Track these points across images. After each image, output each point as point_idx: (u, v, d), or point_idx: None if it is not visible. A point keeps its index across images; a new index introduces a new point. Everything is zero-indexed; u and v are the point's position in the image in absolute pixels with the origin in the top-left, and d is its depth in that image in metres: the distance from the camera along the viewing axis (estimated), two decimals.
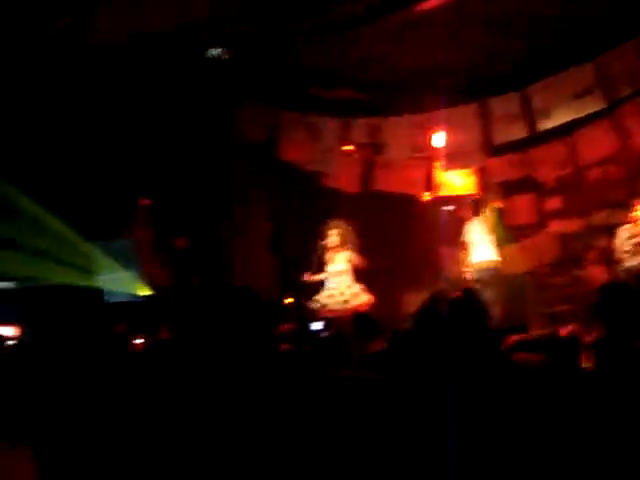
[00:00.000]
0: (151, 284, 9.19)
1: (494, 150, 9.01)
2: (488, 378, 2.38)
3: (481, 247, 8.81)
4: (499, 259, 8.89)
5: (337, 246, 8.49)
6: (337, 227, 8.56)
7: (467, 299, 3.59)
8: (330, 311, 8.20)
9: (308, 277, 8.40)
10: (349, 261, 8.45)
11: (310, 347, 4.71)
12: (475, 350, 2.56)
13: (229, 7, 7.48)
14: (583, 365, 3.85)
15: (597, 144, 8.64)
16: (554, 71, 8.23)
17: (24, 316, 8.82)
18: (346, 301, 8.26)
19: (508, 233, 10.25)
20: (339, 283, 8.42)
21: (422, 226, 9.78)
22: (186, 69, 8.52)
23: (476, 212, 8.91)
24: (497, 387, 2.36)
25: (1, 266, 8.42)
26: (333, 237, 8.49)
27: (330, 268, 8.50)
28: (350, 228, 8.60)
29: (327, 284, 8.49)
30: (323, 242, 8.52)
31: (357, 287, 8.40)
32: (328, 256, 8.55)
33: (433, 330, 2.77)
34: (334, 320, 7.36)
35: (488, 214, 9.93)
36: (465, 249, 8.94)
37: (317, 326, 6.43)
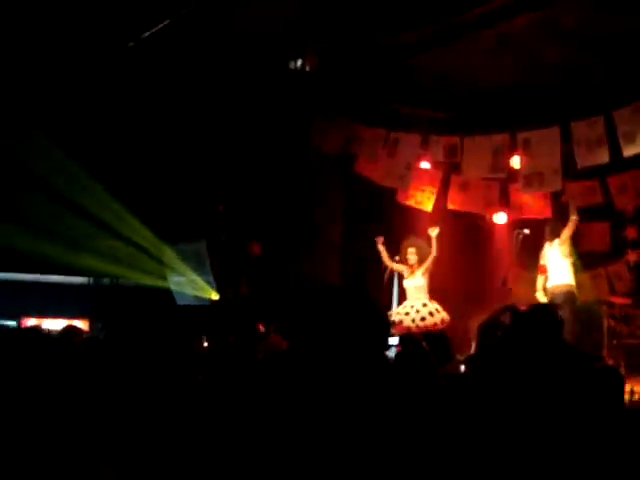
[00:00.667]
0: (222, 289, 9.29)
1: (574, 174, 8.84)
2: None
3: (557, 270, 8.64)
4: (574, 283, 8.70)
5: (415, 263, 8.58)
6: (415, 245, 8.68)
7: (537, 312, 3.52)
8: (405, 327, 8.19)
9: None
10: (426, 279, 8.53)
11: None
12: (547, 363, 2.40)
13: (317, 18, 7.55)
14: None
15: None
16: None
17: (96, 312, 9.02)
18: (423, 318, 8.28)
19: (582, 260, 10.07)
20: (416, 300, 8.47)
21: (496, 247, 9.68)
22: (271, 78, 8.61)
23: (553, 235, 8.75)
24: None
25: (78, 262, 8.62)
26: (411, 254, 8.57)
27: (407, 283, 8.57)
28: (427, 246, 8.65)
29: (405, 301, 8.56)
30: (400, 258, 8.60)
31: (433, 305, 8.44)
32: (407, 272, 8.66)
33: (495, 341, 2.62)
34: (410, 337, 7.30)
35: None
36: (542, 272, 8.78)
37: (393, 341, 6.35)
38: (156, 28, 7.86)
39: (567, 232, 8.65)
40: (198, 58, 8.40)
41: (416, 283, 8.53)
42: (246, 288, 9.04)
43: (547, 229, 8.84)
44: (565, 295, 8.44)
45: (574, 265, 9.66)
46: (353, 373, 2.08)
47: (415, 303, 8.46)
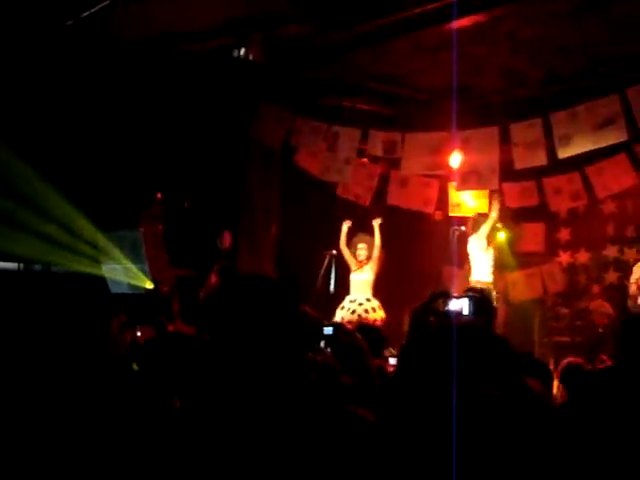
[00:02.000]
0: (154, 278, 9.15)
1: (511, 175, 8.97)
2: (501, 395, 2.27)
3: (478, 265, 8.81)
4: (491, 281, 8.84)
5: (365, 259, 8.80)
6: (365, 241, 8.90)
7: (471, 297, 3.53)
8: (348, 322, 8.23)
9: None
10: (374, 274, 8.63)
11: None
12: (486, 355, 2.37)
13: (263, 9, 7.49)
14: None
15: (614, 177, 8.62)
16: (578, 100, 8.21)
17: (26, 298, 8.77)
18: (366, 311, 8.36)
19: (516, 259, 10.27)
20: (360, 294, 8.55)
21: (432, 245, 9.78)
22: (211, 68, 8.51)
23: (475, 229, 8.94)
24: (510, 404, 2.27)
25: (8, 247, 8.39)
26: (362, 250, 8.76)
27: (355, 277, 8.65)
28: (375, 242, 8.77)
29: (349, 295, 8.72)
30: (345, 252, 8.70)
31: (376, 302, 8.52)
32: (355, 266, 8.79)
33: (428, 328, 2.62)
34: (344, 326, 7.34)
35: (498, 239, 9.97)
36: (468, 266, 8.96)
37: (327, 330, 6.35)
38: (96, 8, 7.68)
39: (485, 228, 8.85)
40: (138, 43, 8.25)
41: (364, 277, 8.66)
42: (216, 278, 8.91)
43: (470, 223, 9.01)
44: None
45: (508, 265, 9.88)
46: (270, 366, 2.05)
47: (358, 297, 8.56)
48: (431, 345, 2.12)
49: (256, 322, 2.10)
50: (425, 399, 2.14)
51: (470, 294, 3.59)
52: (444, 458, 1.87)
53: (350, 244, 9.01)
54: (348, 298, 8.73)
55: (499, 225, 9.63)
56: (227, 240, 9.07)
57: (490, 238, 8.80)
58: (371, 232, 9.03)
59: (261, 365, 2.06)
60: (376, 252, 8.80)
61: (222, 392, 2.07)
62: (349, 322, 8.19)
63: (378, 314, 8.51)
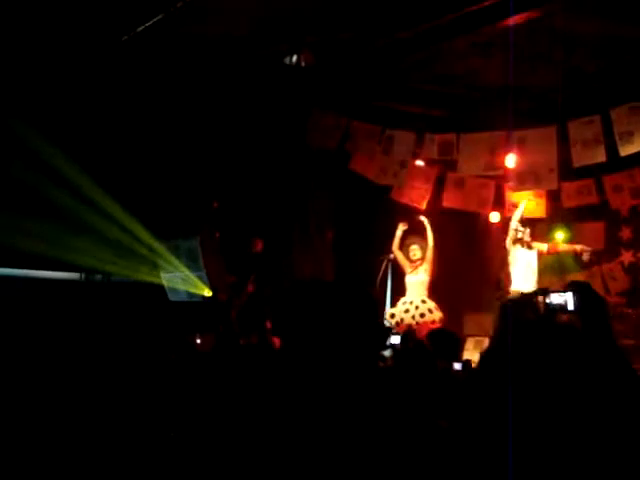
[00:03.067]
0: (213, 286, 9.23)
1: (570, 174, 8.81)
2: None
3: (523, 276, 8.50)
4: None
5: (419, 259, 8.72)
6: (417, 242, 8.82)
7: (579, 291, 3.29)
8: (405, 325, 8.20)
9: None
10: (428, 275, 8.56)
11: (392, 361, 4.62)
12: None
13: (313, 14, 7.50)
14: None
15: None
16: (638, 96, 8.02)
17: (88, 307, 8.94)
18: (422, 315, 8.30)
19: (577, 259, 10.06)
20: (415, 296, 8.50)
21: (489, 246, 9.65)
22: (264, 74, 8.56)
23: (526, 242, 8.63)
24: None
25: (70, 257, 8.54)
26: (415, 251, 8.74)
27: (410, 279, 8.61)
28: (428, 243, 8.74)
29: (404, 297, 8.64)
30: (399, 255, 8.63)
31: (432, 303, 8.46)
32: (410, 268, 8.74)
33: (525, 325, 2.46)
34: (412, 334, 7.30)
35: (557, 240, 9.79)
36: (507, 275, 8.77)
37: (395, 340, 6.30)
38: (149, 22, 7.79)
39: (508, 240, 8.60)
40: (193, 54, 8.34)
41: (419, 279, 8.63)
42: (253, 286, 8.98)
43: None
44: None
45: (569, 266, 9.70)
46: (346, 373, 2.03)
47: (414, 299, 8.50)
48: (529, 341, 2.01)
49: (333, 330, 2.08)
50: (513, 402, 2.04)
51: (574, 287, 3.38)
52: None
53: (403, 246, 8.96)
54: (402, 300, 8.68)
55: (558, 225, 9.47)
56: (258, 246, 9.11)
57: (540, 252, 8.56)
58: (423, 233, 8.95)
59: (336, 372, 2.04)
60: (429, 253, 8.74)
61: (293, 399, 2.06)
62: (405, 325, 8.17)
63: (436, 315, 8.44)
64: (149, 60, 8.32)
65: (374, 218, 9.86)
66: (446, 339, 4.84)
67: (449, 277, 9.58)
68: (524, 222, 8.83)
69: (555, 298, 3.31)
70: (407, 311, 8.44)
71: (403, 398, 2.68)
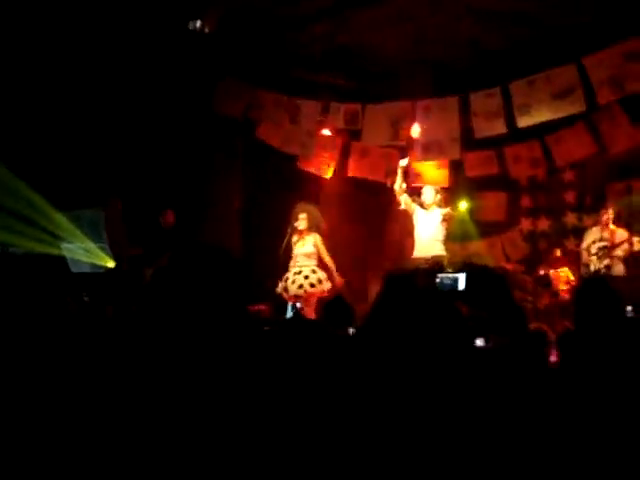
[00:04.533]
0: (115, 256, 9.05)
1: (472, 145, 9.01)
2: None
3: (425, 241, 8.50)
4: (444, 254, 8.38)
5: (305, 229, 8.36)
6: (306, 210, 8.42)
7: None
8: (294, 296, 8.12)
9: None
10: (315, 245, 8.35)
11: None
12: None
13: None
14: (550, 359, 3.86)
15: (573, 146, 8.71)
16: (536, 69, 8.25)
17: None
18: (312, 285, 8.16)
19: (477, 228, 10.37)
20: (304, 266, 8.32)
21: (393, 216, 9.78)
22: (168, 41, 8.35)
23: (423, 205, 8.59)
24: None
25: None
26: (302, 220, 8.41)
27: (297, 250, 8.39)
28: (319, 212, 8.51)
29: (293, 267, 8.39)
30: (293, 224, 8.41)
31: (322, 273, 8.30)
32: (296, 239, 8.47)
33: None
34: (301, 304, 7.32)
35: (459, 209, 10.02)
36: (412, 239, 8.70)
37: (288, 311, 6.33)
38: None
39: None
40: (95, 14, 8.05)
41: (305, 250, 8.39)
42: (138, 250, 8.78)
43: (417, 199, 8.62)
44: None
45: (469, 234, 9.96)
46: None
47: (303, 269, 8.30)
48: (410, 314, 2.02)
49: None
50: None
51: (467, 268, 3.42)
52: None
53: (292, 214, 8.46)
54: (292, 270, 8.32)
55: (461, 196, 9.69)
56: (170, 218, 8.94)
57: (445, 215, 8.43)
58: (313, 202, 8.75)
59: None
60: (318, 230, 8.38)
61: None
62: (294, 296, 8.11)
63: (325, 285, 8.26)
64: (51, 21, 7.98)
65: (282, 186, 9.82)
66: (339, 307, 4.89)
67: (354, 245, 9.70)
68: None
69: (446, 279, 3.38)
70: (294, 282, 8.29)
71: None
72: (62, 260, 8.97)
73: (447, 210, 8.37)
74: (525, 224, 10.52)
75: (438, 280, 3.19)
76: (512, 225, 10.51)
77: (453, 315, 1.83)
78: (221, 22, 8.31)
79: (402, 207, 8.49)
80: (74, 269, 9.07)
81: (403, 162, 8.47)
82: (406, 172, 8.64)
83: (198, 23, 8.40)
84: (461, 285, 3.25)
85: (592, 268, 8.54)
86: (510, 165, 9.32)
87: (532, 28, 8.09)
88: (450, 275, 3.25)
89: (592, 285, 3.50)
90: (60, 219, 8.93)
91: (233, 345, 2.19)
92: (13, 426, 2.34)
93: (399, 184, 8.40)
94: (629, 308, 5.98)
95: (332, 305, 5.23)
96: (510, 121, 8.43)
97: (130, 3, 7.88)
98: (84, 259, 9.06)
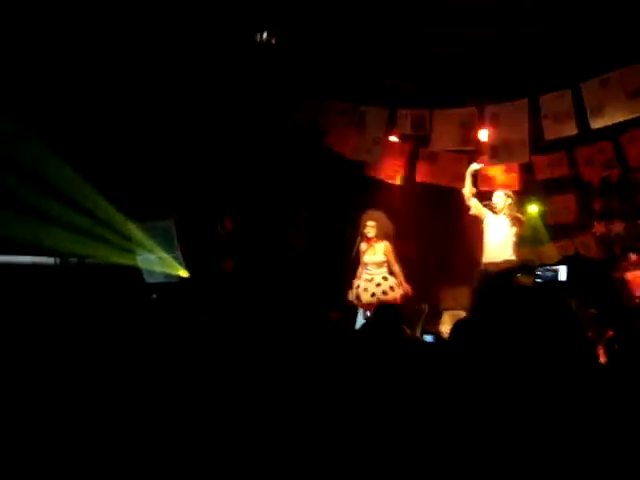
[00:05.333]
0: (189, 266, 9.22)
1: (542, 147, 8.88)
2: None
3: (495, 246, 8.37)
4: (514, 258, 8.38)
5: (374, 237, 8.41)
6: (375, 218, 8.47)
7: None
8: (367, 304, 8.16)
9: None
10: (385, 253, 8.38)
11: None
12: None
13: None
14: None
15: None
16: (608, 69, 8.08)
17: (63, 292, 8.89)
18: (384, 292, 8.20)
19: (549, 232, 10.19)
20: (376, 274, 8.36)
21: (464, 220, 9.70)
22: (236, 51, 8.49)
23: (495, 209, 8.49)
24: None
25: (44, 242, 8.48)
26: (371, 228, 8.41)
27: (367, 258, 8.43)
28: (389, 219, 8.53)
29: (363, 275, 8.43)
30: (362, 232, 8.45)
31: (393, 280, 8.32)
32: (365, 247, 8.48)
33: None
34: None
35: (529, 212, 9.89)
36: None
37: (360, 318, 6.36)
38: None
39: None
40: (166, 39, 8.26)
41: (376, 258, 8.41)
42: (231, 263, 8.95)
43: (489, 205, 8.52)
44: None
45: (541, 237, 9.81)
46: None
47: (375, 276, 8.33)
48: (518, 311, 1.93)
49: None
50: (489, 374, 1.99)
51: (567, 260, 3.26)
52: None
53: (360, 221, 8.55)
54: (363, 276, 8.41)
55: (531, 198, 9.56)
56: (228, 225, 9.08)
57: (514, 220, 8.32)
58: (382, 208, 8.79)
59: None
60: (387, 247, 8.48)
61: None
62: (367, 304, 8.12)
63: (397, 292, 8.28)
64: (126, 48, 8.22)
65: (350, 193, 9.87)
66: (389, 313, 4.91)
67: (426, 251, 9.66)
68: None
69: (547, 270, 3.29)
70: (366, 289, 8.32)
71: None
72: (137, 270, 9.20)
73: (517, 214, 8.29)
74: (598, 227, 10.28)
75: (539, 272, 3.12)
76: (585, 228, 10.28)
77: (566, 313, 1.78)
78: (287, 33, 8.41)
79: (472, 212, 8.46)
80: (148, 279, 9.28)
81: (474, 166, 8.43)
82: (475, 176, 8.63)
83: (264, 35, 8.51)
84: (562, 276, 3.18)
85: None
86: (582, 167, 9.16)
87: (603, 28, 7.92)
88: (551, 267, 3.19)
89: None
90: (134, 230, 9.14)
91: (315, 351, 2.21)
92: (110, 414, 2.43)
93: (468, 188, 8.40)
94: None
95: (381, 311, 5.28)
96: (582, 122, 8.28)
97: (199, 19, 8.03)
98: (158, 269, 9.25)
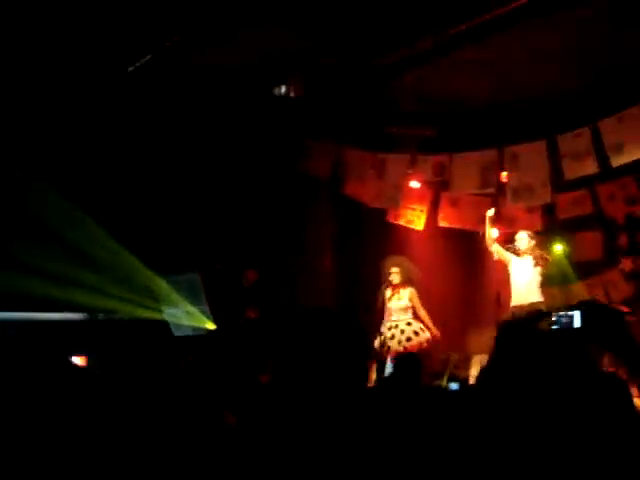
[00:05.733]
0: (215, 318, 9.26)
1: (563, 185, 8.89)
2: None
3: (522, 289, 8.30)
4: (542, 300, 8.24)
5: (399, 283, 8.41)
6: (398, 264, 8.49)
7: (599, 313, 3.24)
8: (394, 351, 8.11)
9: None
10: (411, 299, 8.37)
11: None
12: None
13: (300, 44, 7.60)
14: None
15: None
16: (625, 105, 8.12)
17: (92, 348, 8.96)
18: (408, 339, 8.16)
19: (576, 270, 10.11)
20: (400, 321, 8.33)
21: (489, 263, 9.68)
22: (255, 106, 8.65)
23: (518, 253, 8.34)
24: None
25: (71, 297, 8.58)
26: (395, 274, 8.42)
27: (392, 305, 8.41)
28: (412, 264, 8.54)
29: (388, 322, 8.40)
30: (387, 279, 8.44)
31: (418, 325, 8.28)
32: (390, 293, 8.49)
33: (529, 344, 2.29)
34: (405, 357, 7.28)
35: (555, 252, 9.83)
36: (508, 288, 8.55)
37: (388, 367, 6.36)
38: (139, 62, 7.89)
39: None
40: (182, 90, 8.44)
41: (400, 304, 8.38)
42: (255, 312, 8.98)
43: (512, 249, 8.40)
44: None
45: (567, 276, 9.73)
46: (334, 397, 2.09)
47: (399, 323, 8.30)
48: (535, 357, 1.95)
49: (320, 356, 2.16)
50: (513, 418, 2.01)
51: (582, 306, 3.25)
52: None
53: (383, 267, 8.54)
54: (387, 324, 8.35)
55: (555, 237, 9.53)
56: (251, 277, 9.12)
57: (539, 258, 8.24)
58: (403, 254, 8.81)
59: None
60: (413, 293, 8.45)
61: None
62: (394, 351, 8.06)
63: (422, 337, 8.20)
64: (140, 99, 8.40)
65: (373, 241, 9.90)
66: (408, 362, 4.89)
67: (452, 296, 9.63)
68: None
69: (562, 316, 3.28)
70: (392, 337, 8.27)
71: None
72: (165, 324, 9.25)
73: (541, 253, 8.23)
74: (626, 264, 10.18)
75: (554, 318, 3.10)
76: (612, 265, 10.20)
77: (583, 359, 1.80)
78: (306, 86, 8.55)
79: (496, 257, 8.42)
80: (177, 332, 9.32)
81: (490, 212, 8.42)
82: (495, 220, 8.60)
83: (283, 89, 8.66)
84: (577, 323, 3.16)
85: None
86: (605, 204, 9.14)
87: (615, 64, 7.97)
88: (566, 313, 3.17)
89: None
90: (161, 284, 9.22)
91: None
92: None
93: (488, 234, 8.33)
94: None
95: (402, 362, 5.26)
96: (602, 160, 8.29)
97: (216, 72, 8.21)
98: (186, 322, 9.30)
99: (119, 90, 8.19)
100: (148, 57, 7.73)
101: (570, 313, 3.15)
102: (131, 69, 7.87)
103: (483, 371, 2.55)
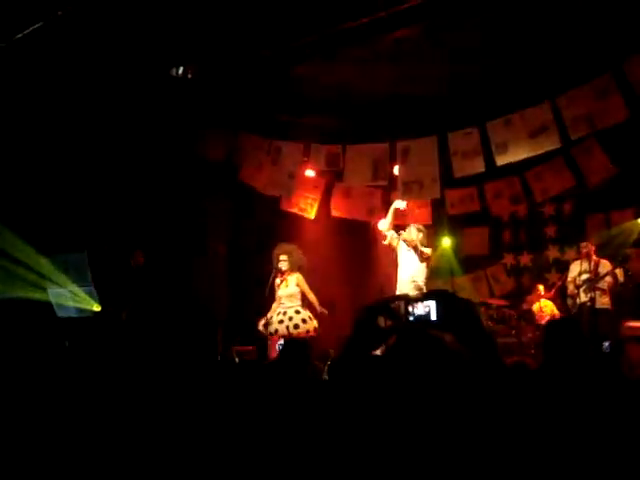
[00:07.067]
0: (102, 300, 9.07)
1: (453, 182, 9.14)
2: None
3: (407, 279, 8.45)
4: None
5: (287, 270, 8.43)
6: (287, 251, 8.49)
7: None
8: (280, 336, 8.16)
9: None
10: (297, 284, 8.40)
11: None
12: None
13: (201, 27, 7.49)
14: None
15: (552, 181, 8.85)
16: (512, 108, 8.41)
17: None
18: (296, 326, 8.21)
19: (462, 264, 10.47)
20: (289, 308, 8.37)
21: (378, 253, 9.88)
22: (151, 87, 8.47)
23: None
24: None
25: None
26: (283, 262, 8.44)
27: (281, 292, 8.45)
28: (302, 253, 8.56)
29: (278, 309, 8.44)
30: (276, 266, 8.46)
31: (306, 313, 8.34)
32: (279, 280, 8.54)
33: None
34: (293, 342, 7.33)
35: (443, 245, 10.15)
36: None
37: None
38: (28, 30, 7.58)
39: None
40: (75, 62, 8.17)
41: (289, 291, 8.45)
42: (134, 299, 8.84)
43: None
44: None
45: (453, 270, 10.05)
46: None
47: (288, 310, 8.36)
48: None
49: None
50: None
51: (437, 295, 3.22)
52: None
53: (273, 255, 8.52)
54: (277, 310, 8.40)
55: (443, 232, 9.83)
56: (139, 258, 9.03)
57: (425, 256, 8.36)
58: (297, 241, 8.88)
59: None
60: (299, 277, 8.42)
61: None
62: (281, 336, 8.14)
63: (310, 325, 8.29)
64: (28, 69, 8.09)
65: (268, 228, 9.91)
66: (295, 348, 4.95)
67: (340, 285, 9.77)
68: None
69: (418, 307, 3.30)
70: (281, 322, 8.32)
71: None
72: (48, 305, 8.99)
73: (427, 249, 8.35)
74: (508, 259, 10.64)
75: (410, 308, 3.08)
76: (496, 260, 10.62)
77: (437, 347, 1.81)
78: (204, 68, 8.44)
79: (386, 242, 8.44)
80: (60, 314, 9.07)
81: (400, 204, 8.32)
82: (401, 214, 8.59)
83: (181, 70, 8.53)
84: (433, 315, 3.16)
85: (578, 301, 8.58)
86: (491, 202, 9.46)
87: (506, 68, 8.24)
88: (423, 302, 3.13)
89: (560, 326, 3.56)
90: (45, 263, 8.95)
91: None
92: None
93: (389, 222, 8.29)
94: (605, 344, 6.07)
95: (288, 346, 5.31)
96: (489, 159, 8.56)
97: (113, 52, 8.00)
98: (70, 303, 9.07)
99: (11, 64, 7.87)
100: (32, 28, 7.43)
101: (426, 303, 3.22)
102: (19, 36, 7.53)
103: (332, 361, 2.62)
